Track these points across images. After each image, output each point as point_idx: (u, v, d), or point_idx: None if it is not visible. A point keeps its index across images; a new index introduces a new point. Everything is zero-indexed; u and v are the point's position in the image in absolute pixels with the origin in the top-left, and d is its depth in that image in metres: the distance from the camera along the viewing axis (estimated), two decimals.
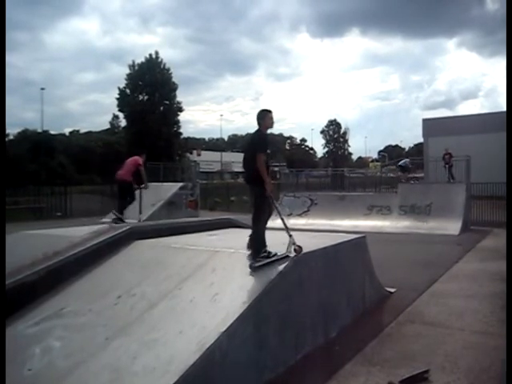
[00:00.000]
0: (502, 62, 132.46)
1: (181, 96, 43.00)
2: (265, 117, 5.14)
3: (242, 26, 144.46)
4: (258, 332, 4.30)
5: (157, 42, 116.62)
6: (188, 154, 48.96)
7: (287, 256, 5.03)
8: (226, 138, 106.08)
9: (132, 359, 3.73)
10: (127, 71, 41.86)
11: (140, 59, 42.49)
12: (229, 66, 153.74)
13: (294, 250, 5.08)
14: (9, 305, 4.73)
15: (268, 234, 5.15)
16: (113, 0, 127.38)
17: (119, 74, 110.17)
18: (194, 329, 3.99)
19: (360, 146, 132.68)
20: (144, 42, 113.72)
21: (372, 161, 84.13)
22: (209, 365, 3.66)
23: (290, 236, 5.13)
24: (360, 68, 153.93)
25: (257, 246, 5.01)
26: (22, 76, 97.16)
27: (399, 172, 22.70)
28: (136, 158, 10.75)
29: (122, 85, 41.53)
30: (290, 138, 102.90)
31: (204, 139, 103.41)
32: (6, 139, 46.95)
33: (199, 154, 61.36)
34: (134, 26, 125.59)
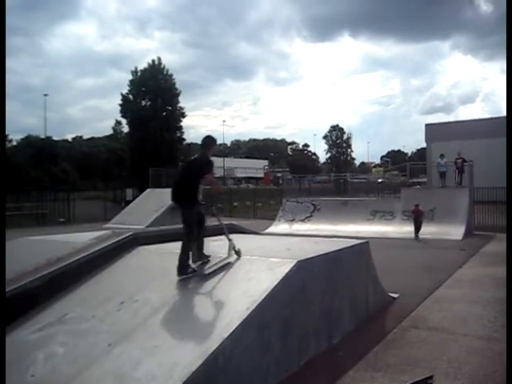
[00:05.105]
0: (498, 66, 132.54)
1: (181, 101, 42.92)
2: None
3: (240, 30, 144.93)
4: (261, 337, 4.29)
5: (154, 46, 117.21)
6: None
7: (229, 262, 5.35)
8: (228, 144, 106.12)
9: (135, 365, 3.72)
10: (126, 76, 41.82)
11: (138, 64, 42.55)
12: (228, 70, 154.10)
13: (236, 252, 5.44)
14: (12, 311, 4.73)
15: (272, 240, 5.15)
16: (109, 4, 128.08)
17: (119, 79, 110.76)
18: (198, 334, 3.99)
19: (362, 151, 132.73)
20: (141, 47, 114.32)
21: (375, 166, 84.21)
22: (212, 370, 3.65)
23: (230, 240, 5.50)
24: (360, 72, 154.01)
25: (183, 260, 5.21)
26: (22, 82, 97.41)
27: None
28: None
29: (122, 90, 41.56)
30: (293, 143, 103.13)
31: None
32: (10, 145, 47.18)
33: None
34: (131, 31, 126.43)
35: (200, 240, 5.47)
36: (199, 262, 5.39)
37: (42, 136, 50.66)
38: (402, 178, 25.94)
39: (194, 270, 5.23)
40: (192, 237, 5.30)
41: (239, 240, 5.79)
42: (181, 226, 5.45)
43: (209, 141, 5.62)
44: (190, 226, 5.30)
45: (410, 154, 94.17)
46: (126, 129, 44.79)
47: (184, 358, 3.66)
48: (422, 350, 5.32)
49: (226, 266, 5.34)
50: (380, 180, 36.12)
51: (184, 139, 44.12)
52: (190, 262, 5.30)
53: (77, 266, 5.65)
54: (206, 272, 5.24)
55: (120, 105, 41.19)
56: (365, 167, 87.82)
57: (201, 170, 5.36)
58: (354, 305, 6.28)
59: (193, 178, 5.32)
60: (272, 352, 4.42)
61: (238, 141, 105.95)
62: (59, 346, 4.26)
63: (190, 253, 5.33)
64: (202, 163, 5.44)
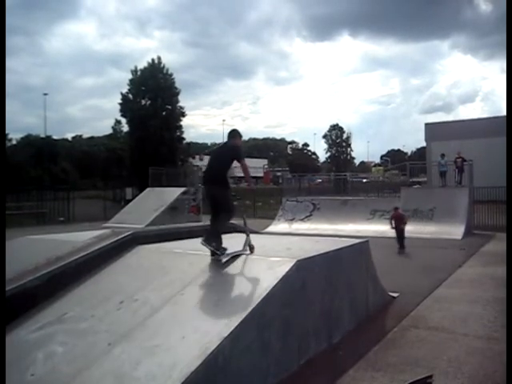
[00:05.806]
0: (498, 65, 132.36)
1: (181, 101, 42.86)
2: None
3: (240, 30, 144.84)
4: (260, 337, 4.29)
5: (154, 46, 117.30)
6: (191, 159, 48.95)
7: (242, 254, 5.59)
8: None
9: (134, 365, 3.71)
10: (126, 75, 41.66)
11: (138, 63, 42.20)
12: (228, 70, 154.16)
13: (249, 248, 5.61)
14: (12, 310, 4.72)
15: (272, 239, 5.15)
16: (109, 4, 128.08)
17: (119, 78, 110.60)
18: (197, 334, 3.98)
19: (362, 150, 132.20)
20: (141, 46, 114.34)
21: (374, 165, 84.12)
22: (211, 370, 3.64)
23: (248, 236, 5.70)
24: (360, 72, 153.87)
25: (217, 241, 5.45)
26: (22, 81, 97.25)
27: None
28: None
29: (122, 89, 41.44)
30: (292, 142, 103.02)
31: (207, 144, 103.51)
32: (9, 144, 47.11)
33: (202, 159, 61.28)
34: (130, 30, 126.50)
35: (218, 232, 5.61)
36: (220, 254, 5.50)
37: (42, 135, 50.60)
38: (402, 177, 25.91)
39: (214, 250, 5.36)
40: (230, 214, 5.61)
41: (239, 239, 5.79)
42: (180, 225, 5.49)
43: (235, 132, 5.93)
44: (227, 205, 5.55)
45: (409, 153, 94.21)
46: (125, 128, 44.72)
47: (184, 357, 3.66)
48: (422, 349, 5.31)
49: (239, 256, 5.50)
50: (365, 180, 36.41)
51: (184, 138, 44.10)
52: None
53: (76, 265, 5.64)
54: (220, 258, 5.43)
55: (120, 104, 41.14)
56: (365, 166, 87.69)
57: (229, 156, 5.62)
58: (353, 304, 6.27)
59: (223, 163, 5.61)
60: (272, 352, 4.41)
61: None
62: (59, 345, 4.25)
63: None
64: (230, 149, 5.73)
